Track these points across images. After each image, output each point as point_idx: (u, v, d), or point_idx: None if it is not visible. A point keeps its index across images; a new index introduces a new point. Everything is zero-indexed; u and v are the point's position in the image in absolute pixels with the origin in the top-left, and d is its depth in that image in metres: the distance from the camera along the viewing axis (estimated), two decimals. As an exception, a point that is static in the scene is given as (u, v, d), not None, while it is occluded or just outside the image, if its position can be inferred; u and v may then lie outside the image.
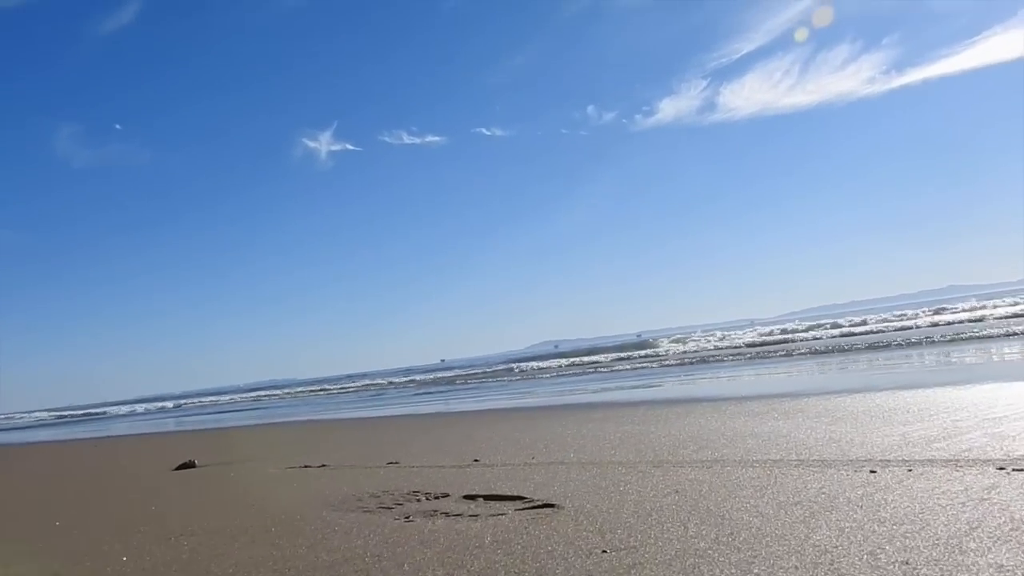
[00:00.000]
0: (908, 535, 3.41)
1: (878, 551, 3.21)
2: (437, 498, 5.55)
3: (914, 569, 2.95)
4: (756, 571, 3.12)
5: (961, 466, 4.84)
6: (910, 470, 4.86)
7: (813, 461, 5.55)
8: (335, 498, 5.97)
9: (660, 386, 17.49)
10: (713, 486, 4.99)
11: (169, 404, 54.18)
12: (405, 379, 44.88)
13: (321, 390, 42.26)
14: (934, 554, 3.10)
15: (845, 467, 5.19)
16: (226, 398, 50.98)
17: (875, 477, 4.77)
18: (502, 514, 4.77)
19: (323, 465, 8.43)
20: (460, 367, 54.62)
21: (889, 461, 5.24)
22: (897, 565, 3.01)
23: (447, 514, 4.92)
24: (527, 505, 4.93)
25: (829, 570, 3.04)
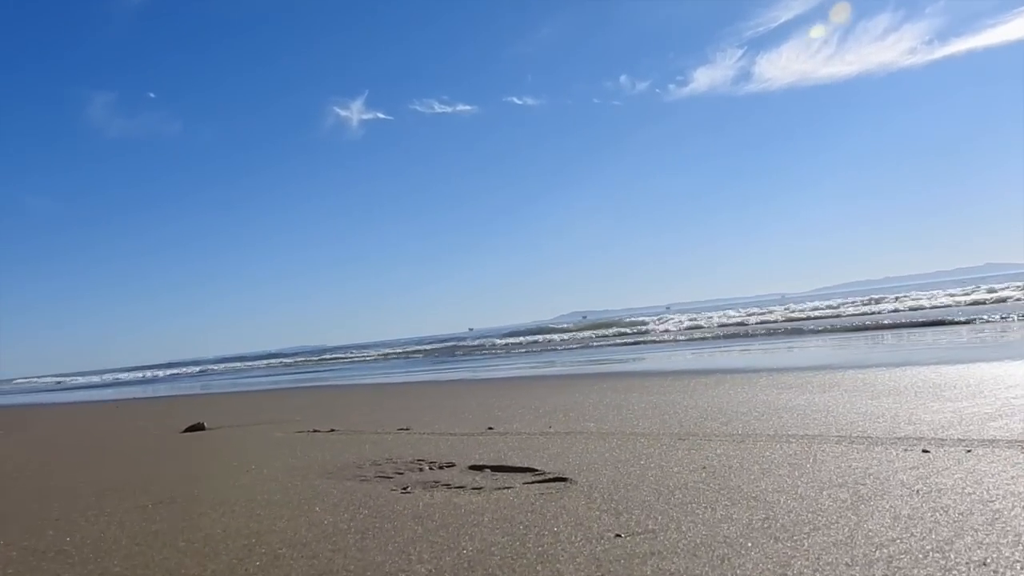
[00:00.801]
0: (980, 528, 2.84)
1: (946, 547, 2.65)
2: (441, 468, 5.07)
3: (995, 572, 2.38)
4: (798, 567, 2.58)
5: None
6: (969, 451, 4.26)
7: (856, 437, 4.97)
8: (334, 465, 5.52)
9: (687, 357, 16.89)
10: (744, 462, 4.44)
11: (196, 369, 54.55)
12: (431, 347, 44.61)
13: (345, 357, 42.11)
14: (1017, 554, 2.53)
15: (894, 445, 4.61)
16: (260, 363, 51.19)
17: (929, 458, 4.18)
18: (508, 487, 4.26)
19: (332, 430, 8.01)
20: (488, 335, 54.25)
21: (943, 440, 4.64)
22: (974, 567, 2.45)
23: (448, 486, 4.43)
24: (537, 478, 4.43)
25: (889, 569, 2.49)
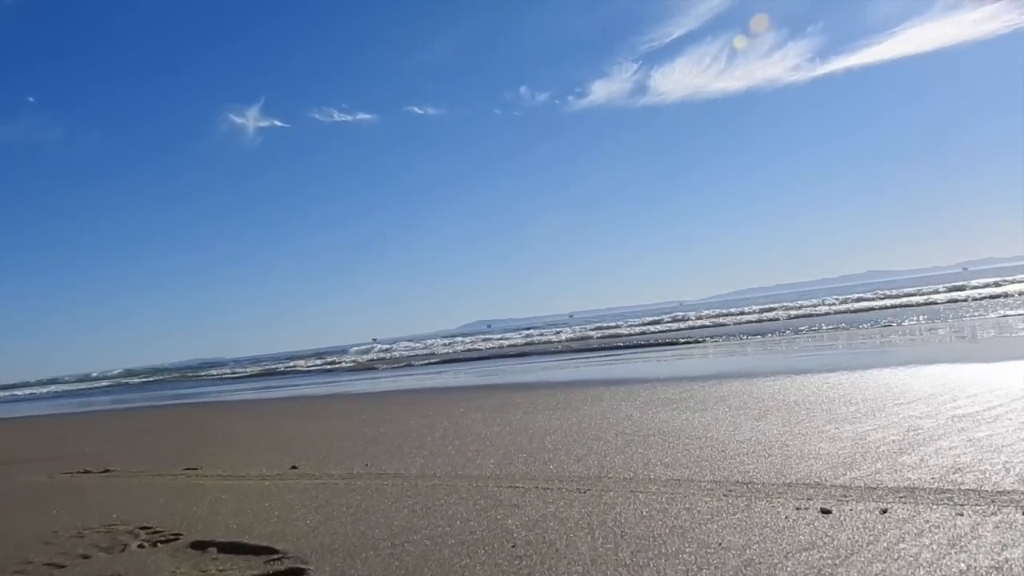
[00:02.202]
0: None
1: None
2: (155, 545, 3.46)
3: None
4: None
5: (963, 504, 2.94)
6: (884, 511, 2.94)
7: (736, 484, 3.62)
8: (30, 535, 3.82)
9: (575, 368, 15.65)
10: (576, 532, 3.01)
11: (64, 386, 50.17)
12: (321, 361, 42.31)
13: (217, 375, 39.22)
14: None
15: (783, 497, 3.27)
16: (137, 379, 47.56)
17: (831, 523, 2.84)
18: (209, 591, 2.68)
19: (106, 471, 6.25)
20: (390, 342, 52.19)
21: (848, 490, 3.33)
22: None
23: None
24: (266, 570, 2.86)
25: None
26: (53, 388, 46.69)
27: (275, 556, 3.04)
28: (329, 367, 30.62)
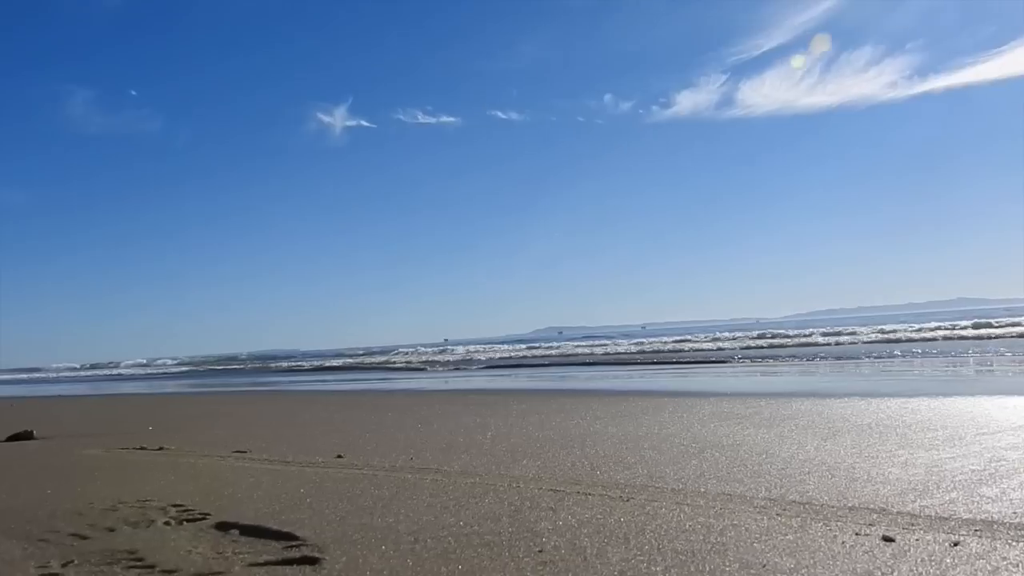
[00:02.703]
0: None
1: None
2: (184, 522, 3.39)
3: None
4: None
5: (1049, 541, 2.60)
6: (956, 544, 2.63)
7: (791, 503, 3.33)
8: (66, 509, 3.82)
9: (639, 378, 15.31)
10: (612, 540, 2.80)
11: (123, 369, 51.96)
12: (396, 357, 42.79)
13: (292, 367, 40.01)
14: None
15: (842, 521, 2.98)
16: (212, 366, 49.05)
17: (893, 552, 2.55)
18: (218, 573, 2.59)
19: (161, 448, 6.32)
20: (463, 344, 52.56)
21: (916, 517, 3.02)
22: None
23: (137, 564, 2.74)
24: (281, 555, 2.75)
25: None
26: (132, 371, 48.53)
27: (294, 543, 2.93)
28: (397, 365, 30.91)
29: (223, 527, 3.24)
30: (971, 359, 15.22)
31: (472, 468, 4.66)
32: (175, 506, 3.74)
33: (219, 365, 47.51)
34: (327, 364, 35.55)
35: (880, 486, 3.62)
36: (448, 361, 30.42)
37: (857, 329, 30.69)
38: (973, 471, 3.87)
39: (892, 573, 2.35)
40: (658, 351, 27.06)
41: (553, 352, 32.22)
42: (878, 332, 27.98)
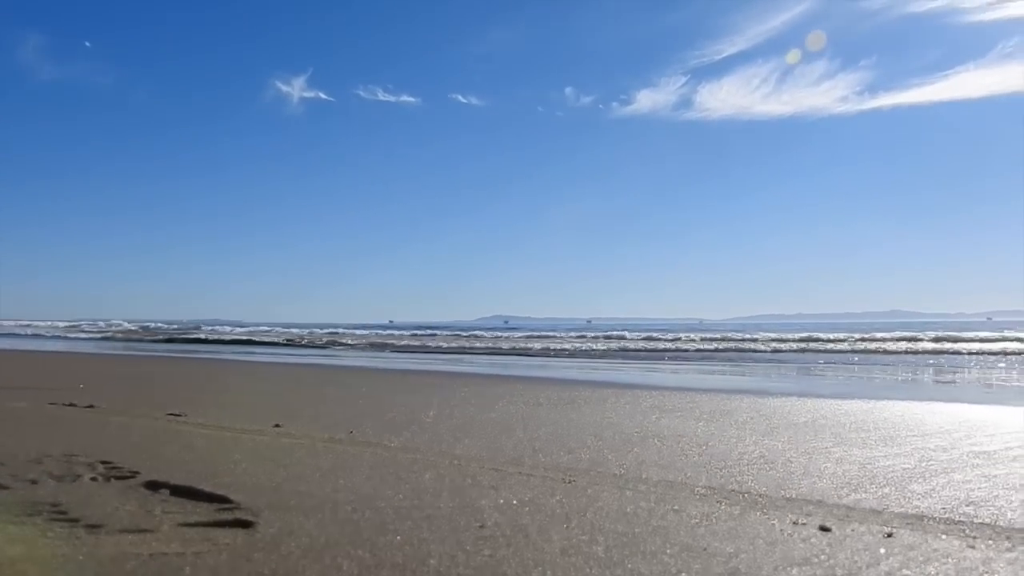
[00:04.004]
0: None
1: None
2: (111, 479, 3.25)
3: None
4: None
5: (975, 537, 2.66)
6: (889, 534, 2.66)
7: (731, 492, 3.35)
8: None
9: (583, 370, 15.41)
10: (554, 518, 2.77)
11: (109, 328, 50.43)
12: (339, 335, 42.32)
13: (241, 335, 39.30)
14: None
15: (780, 511, 3.00)
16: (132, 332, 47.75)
17: (829, 541, 2.57)
18: (146, 531, 2.48)
19: (91, 406, 6.11)
20: (408, 328, 52.23)
21: (851, 510, 3.06)
22: None
23: (60, 517, 2.61)
24: (211, 517, 2.65)
25: None
26: (72, 334, 47.05)
27: (227, 506, 2.83)
28: (341, 343, 30.58)
29: (153, 486, 3.12)
30: (903, 367, 15.67)
31: (413, 444, 4.60)
32: (103, 463, 3.59)
33: (155, 334, 46.32)
34: (268, 339, 34.95)
35: (816, 480, 3.67)
36: (392, 344, 30.19)
37: (795, 334, 31.37)
38: (905, 469, 3.95)
39: (829, 560, 2.37)
40: (603, 345, 27.27)
41: (500, 339, 32.22)
42: (814, 337, 28.64)
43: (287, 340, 33.11)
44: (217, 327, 54.37)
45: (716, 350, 24.23)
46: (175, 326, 53.58)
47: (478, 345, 28.28)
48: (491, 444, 4.67)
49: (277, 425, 5.25)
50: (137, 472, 3.36)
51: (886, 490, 3.44)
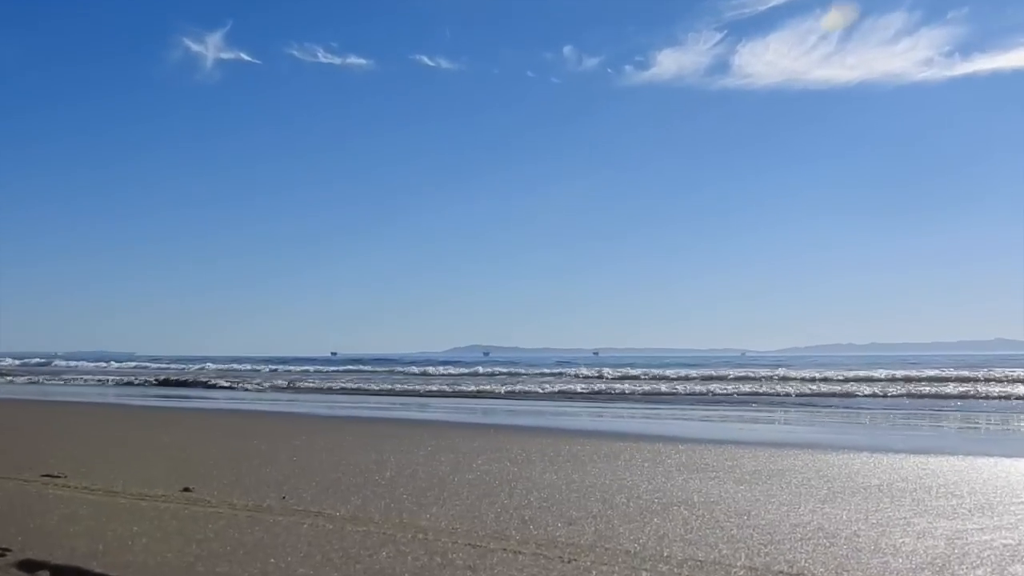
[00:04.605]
0: None
1: None
2: (-30, 561, 3.30)
3: None
4: None
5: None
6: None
7: (777, 574, 3.44)
8: None
9: (589, 416, 15.51)
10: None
11: None
12: (267, 370, 42.42)
13: (125, 373, 39.25)
14: None
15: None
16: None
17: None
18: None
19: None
20: (357, 361, 52.35)
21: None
22: None
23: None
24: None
25: None
26: None
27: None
28: (268, 382, 30.55)
29: (29, 567, 3.20)
30: (1008, 415, 15.84)
31: (365, 513, 4.66)
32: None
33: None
34: (171, 377, 34.90)
35: (890, 558, 3.76)
36: (334, 383, 30.19)
37: (867, 370, 31.62)
38: (1005, 546, 4.05)
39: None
40: (614, 384, 27.37)
41: (478, 377, 32.32)
42: (892, 375, 28.87)
43: (162, 379, 32.92)
44: (82, 361, 54.39)
45: (761, 394, 24.36)
46: (18, 362, 53.46)
47: (445, 386, 28.32)
48: (467, 512, 4.74)
49: (187, 489, 5.30)
50: (7, 550, 3.42)
51: (979, 572, 3.54)
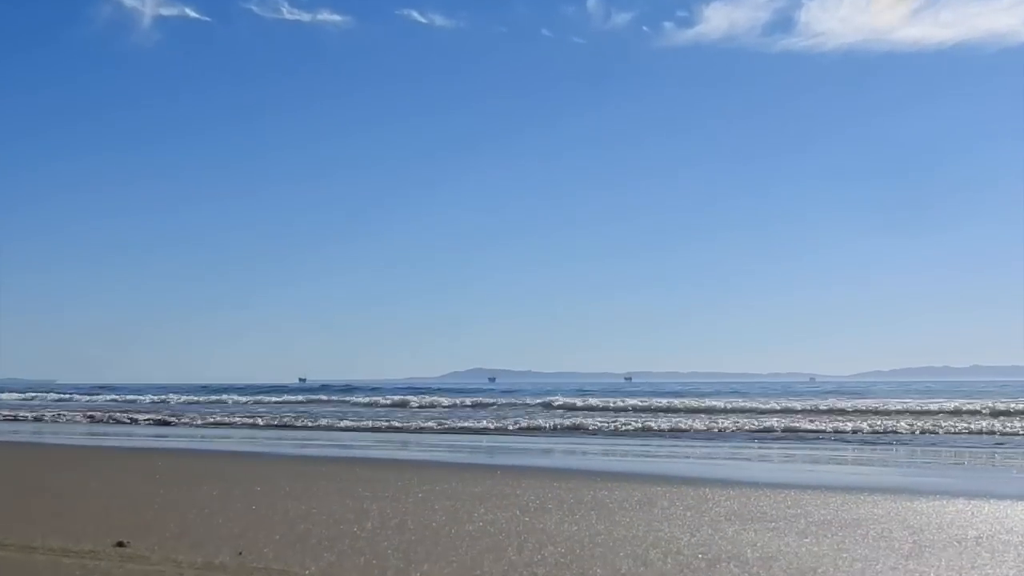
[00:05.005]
0: None
1: None
2: None
3: None
4: None
5: None
6: None
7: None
8: None
9: (618, 454, 15.52)
10: None
11: None
12: (222, 399, 42.57)
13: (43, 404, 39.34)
14: None
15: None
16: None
17: None
18: None
19: None
20: (332, 390, 52.41)
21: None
22: None
23: None
24: None
25: None
26: None
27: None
28: (222, 414, 30.63)
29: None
30: None
31: (340, 572, 4.68)
32: None
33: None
34: (100, 410, 35.02)
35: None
36: (300, 416, 30.23)
37: (964, 400, 31.52)
38: None
39: None
40: (648, 419, 27.28)
41: (480, 407, 32.32)
42: (996, 407, 28.74)
43: (90, 414, 32.95)
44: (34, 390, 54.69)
45: (831, 433, 24.33)
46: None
47: (437, 419, 28.31)
48: (467, 570, 4.75)
49: (121, 543, 5.34)
50: None
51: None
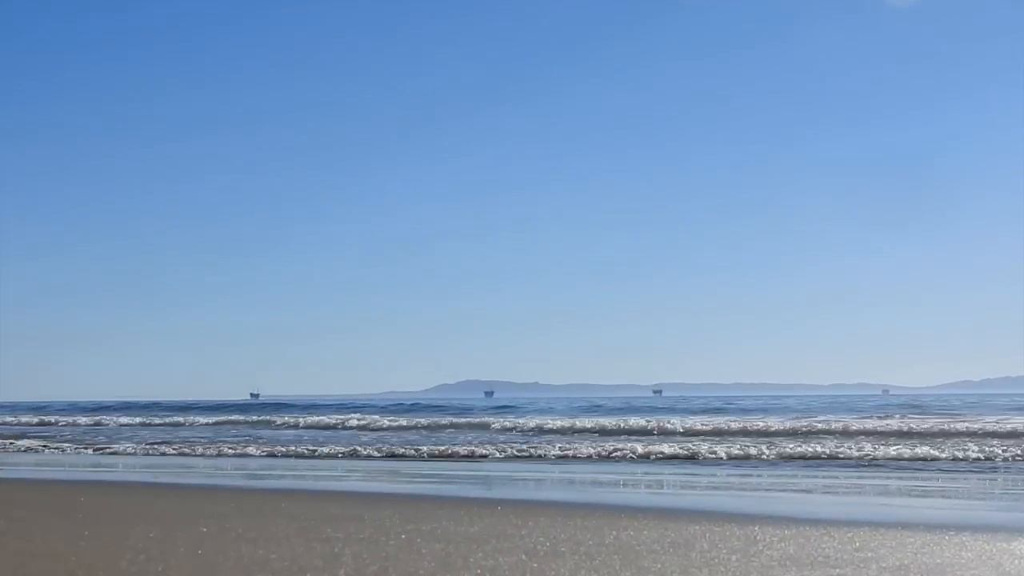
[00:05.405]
0: None
1: None
2: None
3: None
4: None
5: None
6: None
7: None
8: None
9: (646, 486, 15.59)
10: None
11: None
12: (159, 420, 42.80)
13: None
14: None
15: None
16: None
17: None
18: None
19: None
20: (293, 409, 52.58)
21: None
22: None
23: None
24: None
25: None
26: None
27: None
28: (171, 438, 30.85)
29: None
30: None
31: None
32: None
33: None
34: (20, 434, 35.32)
35: None
36: (259, 435, 30.41)
37: None
38: None
39: None
40: (680, 444, 27.34)
41: (476, 427, 32.45)
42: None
43: None
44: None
45: (908, 460, 24.38)
46: None
47: (415, 443, 28.41)
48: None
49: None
50: None
51: None
